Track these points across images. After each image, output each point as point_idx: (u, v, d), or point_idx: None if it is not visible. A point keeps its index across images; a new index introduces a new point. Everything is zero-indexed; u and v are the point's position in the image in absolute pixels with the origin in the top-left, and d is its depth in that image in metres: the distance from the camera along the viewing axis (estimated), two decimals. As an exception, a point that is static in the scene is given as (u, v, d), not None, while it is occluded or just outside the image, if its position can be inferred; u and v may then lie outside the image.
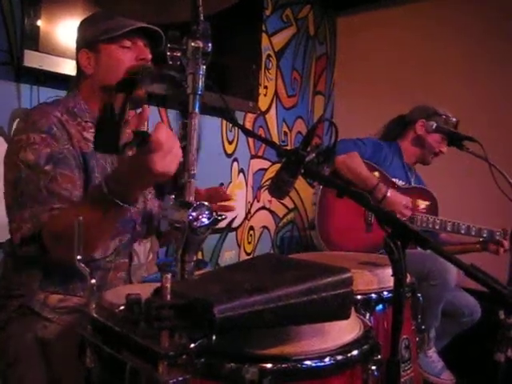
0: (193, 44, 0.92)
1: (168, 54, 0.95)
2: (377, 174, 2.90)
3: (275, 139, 3.99)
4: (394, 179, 2.97)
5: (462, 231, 2.87)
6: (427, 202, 3.04)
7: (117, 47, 1.67)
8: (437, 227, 2.88)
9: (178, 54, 0.94)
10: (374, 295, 1.53)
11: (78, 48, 1.71)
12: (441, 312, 2.71)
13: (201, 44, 0.92)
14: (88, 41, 1.69)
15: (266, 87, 3.84)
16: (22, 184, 1.49)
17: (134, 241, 1.74)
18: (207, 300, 0.77)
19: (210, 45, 0.93)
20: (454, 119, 3.01)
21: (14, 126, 1.62)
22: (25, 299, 1.59)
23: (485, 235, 2.87)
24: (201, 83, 0.91)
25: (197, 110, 0.90)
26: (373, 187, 2.71)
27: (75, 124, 1.63)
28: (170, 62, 0.94)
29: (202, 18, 0.93)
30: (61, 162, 1.52)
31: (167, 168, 1.16)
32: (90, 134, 1.65)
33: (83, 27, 1.72)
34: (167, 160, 1.15)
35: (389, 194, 2.72)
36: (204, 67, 0.92)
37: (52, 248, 1.44)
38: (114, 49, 1.67)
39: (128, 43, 1.68)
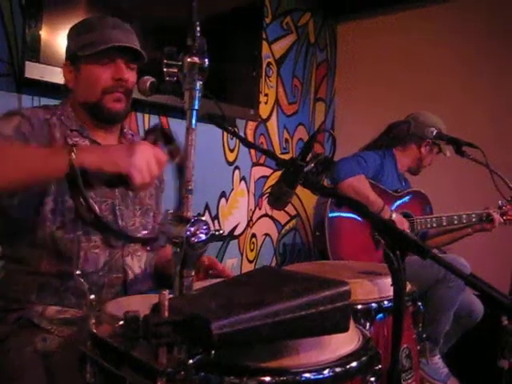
0: (189, 60, 0.93)
1: (164, 70, 0.96)
2: (377, 189, 2.96)
3: (276, 147, 4.00)
4: (389, 190, 3.04)
5: (456, 221, 3.04)
6: (422, 204, 3.16)
7: (95, 64, 1.64)
8: (434, 225, 3.02)
9: (175, 70, 0.95)
10: (374, 305, 1.53)
11: (65, 59, 1.70)
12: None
13: (197, 60, 0.93)
14: (70, 53, 1.68)
15: (266, 95, 3.85)
16: None
17: (125, 255, 1.71)
18: (204, 316, 0.78)
19: (206, 60, 0.93)
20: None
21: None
22: (23, 312, 1.59)
23: (474, 219, 3.04)
24: (197, 99, 0.92)
25: (194, 125, 0.90)
26: (379, 210, 2.75)
27: (62, 130, 1.64)
28: (167, 78, 0.95)
29: (198, 33, 0.93)
30: (26, 141, 1.52)
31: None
32: (74, 143, 1.64)
33: (69, 36, 1.70)
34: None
35: (394, 217, 2.77)
36: (201, 83, 0.93)
37: None
38: (92, 65, 1.64)
39: (105, 60, 1.64)
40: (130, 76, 1.68)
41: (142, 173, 1.24)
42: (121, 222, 1.70)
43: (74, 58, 1.66)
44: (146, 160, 1.24)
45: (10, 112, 1.59)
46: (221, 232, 0.93)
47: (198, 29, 0.93)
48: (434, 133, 2.91)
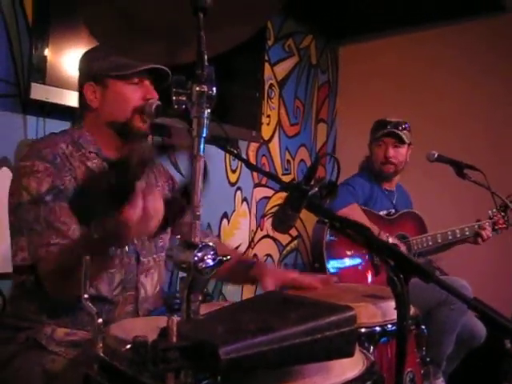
0: (197, 88, 0.94)
1: (173, 98, 0.97)
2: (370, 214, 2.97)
3: (278, 168, 4.02)
4: (381, 213, 3.05)
5: (450, 237, 3.05)
6: (415, 224, 3.16)
7: (125, 84, 1.69)
8: (430, 243, 3.03)
9: (184, 98, 0.97)
10: (377, 328, 1.53)
11: (84, 80, 1.72)
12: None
13: (205, 88, 0.94)
14: (95, 74, 1.70)
15: (268, 116, 3.88)
16: (21, 211, 1.53)
17: (140, 273, 1.73)
18: (212, 342, 0.78)
19: (214, 89, 0.95)
20: (391, 119, 3.10)
21: (22, 153, 1.67)
22: (32, 332, 1.59)
23: (467, 232, 3.05)
24: (206, 126, 0.94)
25: (201, 153, 0.92)
26: None
27: (79, 155, 1.67)
28: (176, 106, 0.97)
29: (206, 62, 0.95)
30: (61, 194, 1.56)
31: (140, 234, 1.34)
32: (94, 165, 1.68)
33: (90, 59, 1.73)
34: (141, 227, 1.29)
35: (390, 242, 2.78)
36: (209, 111, 0.94)
37: (48, 284, 1.48)
38: (122, 85, 1.69)
39: (136, 80, 1.70)
40: (157, 96, 1.73)
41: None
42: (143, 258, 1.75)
43: (99, 78, 1.70)
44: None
45: (28, 156, 1.61)
46: (228, 258, 0.94)
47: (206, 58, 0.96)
48: (436, 155, 2.93)
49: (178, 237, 0.93)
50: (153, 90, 1.72)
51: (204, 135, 0.93)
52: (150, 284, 1.77)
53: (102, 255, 1.39)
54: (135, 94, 1.70)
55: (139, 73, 1.69)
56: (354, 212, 2.84)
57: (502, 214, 3.07)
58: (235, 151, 1.58)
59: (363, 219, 2.85)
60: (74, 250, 1.43)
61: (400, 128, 3.06)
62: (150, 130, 1.76)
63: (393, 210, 3.10)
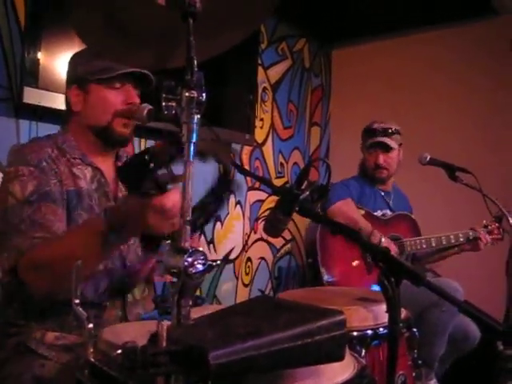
0: (187, 94, 0.95)
1: (163, 104, 0.98)
2: (362, 212, 2.98)
3: (272, 171, 4.02)
4: (375, 213, 3.07)
5: (444, 242, 3.05)
6: (409, 226, 3.18)
7: (106, 88, 1.69)
8: (424, 246, 3.04)
9: (173, 104, 0.97)
10: (369, 331, 1.54)
11: (69, 83, 1.73)
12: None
13: (195, 94, 0.95)
14: (79, 78, 1.70)
15: (262, 119, 3.88)
16: (7, 215, 1.53)
17: (125, 278, 1.72)
18: (202, 346, 0.78)
19: (204, 94, 0.96)
20: (378, 125, 3.10)
21: (7, 158, 1.66)
22: (22, 337, 1.59)
23: (461, 239, 3.06)
24: (195, 132, 0.94)
25: (191, 158, 0.92)
26: (369, 234, 2.76)
27: (65, 160, 1.66)
28: (166, 112, 0.97)
29: (195, 68, 0.96)
30: (46, 195, 1.56)
31: (160, 229, 1.24)
32: (78, 170, 1.68)
33: (75, 62, 1.73)
34: (164, 224, 1.23)
35: (383, 240, 2.78)
36: (198, 116, 0.95)
37: (29, 278, 1.46)
38: (103, 89, 1.69)
39: (117, 84, 1.69)
40: (138, 101, 1.72)
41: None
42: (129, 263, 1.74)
43: (82, 81, 1.70)
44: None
45: (13, 162, 1.61)
46: (218, 263, 0.94)
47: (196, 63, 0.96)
48: (428, 158, 2.94)
49: (168, 242, 0.93)
50: (134, 95, 1.71)
51: (194, 140, 0.94)
52: (138, 288, 1.76)
53: (103, 245, 1.37)
54: (117, 99, 1.69)
55: (121, 77, 1.68)
56: (348, 206, 2.86)
57: (497, 224, 3.06)
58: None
59: (358, 215, 2.86)
60: (71, 236, 1.45)
61: (388, 133, 3.06)
62: (132, 135, 1.75)
63: (388, 212, 3.11)
